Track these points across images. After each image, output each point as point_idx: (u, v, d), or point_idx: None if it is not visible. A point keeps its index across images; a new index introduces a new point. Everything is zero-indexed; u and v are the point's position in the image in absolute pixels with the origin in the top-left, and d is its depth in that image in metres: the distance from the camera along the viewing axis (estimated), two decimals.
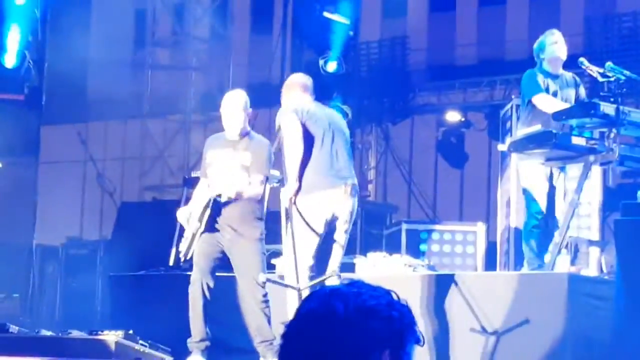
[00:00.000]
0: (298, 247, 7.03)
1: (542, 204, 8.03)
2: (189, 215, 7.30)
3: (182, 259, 7.37)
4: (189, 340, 7.29)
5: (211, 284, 7.25)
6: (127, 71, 16.52)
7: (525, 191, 8.23)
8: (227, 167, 7.39)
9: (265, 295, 7.23)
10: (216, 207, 7.25)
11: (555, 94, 8.16)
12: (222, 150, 7.46)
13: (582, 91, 8.44)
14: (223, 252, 7.33)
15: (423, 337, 2.01)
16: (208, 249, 7.28)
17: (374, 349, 1.95)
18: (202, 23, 17.32)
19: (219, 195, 7.21)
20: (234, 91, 7.80)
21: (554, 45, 8.21)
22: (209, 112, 17.49)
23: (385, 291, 2.01)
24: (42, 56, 11.95)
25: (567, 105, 7.93)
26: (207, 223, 7.24)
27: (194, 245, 7.26)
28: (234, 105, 7.48)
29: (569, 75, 8.41)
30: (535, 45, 8.35)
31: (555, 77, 8.24)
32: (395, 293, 2.03)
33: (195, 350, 7.24)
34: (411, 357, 1.98)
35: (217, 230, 7.28)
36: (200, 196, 7.43)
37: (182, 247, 7.30)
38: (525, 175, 8.22)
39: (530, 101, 8.07)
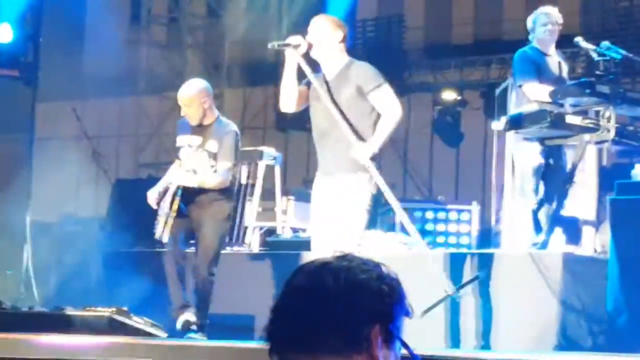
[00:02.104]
0: (350, 220, 6.40)
1: (538, 184, 8.02)
2: (159, 197, 7.36)
3: (158, 238, 7.40)
4: (170, 309, 7.38)
5: (183, 254, 7.37)
6: (123, 48, 16.48)
7: (520, 171, 8.21)
8: (194, 153, 7.39)
9: (208, 275, 7.35)
10: (184, 191, 7.33)
11: (546, 74, 8.14)
12: (189, 135, 7.44)
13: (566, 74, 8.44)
14: (192, 227, 7.48)
15: (413, 309, 2.00)
16: (180, 223, 7.35)
17: (364, 323, 1.94)
18: (197, 0, 17.29)
19: (181, 186, 7.30)
20: (190, 81, 7.68)
21: (544, 27, 8.18)
22: None
23: (375, 264, 2.01)
24: (37, 32, 11.90)
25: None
26: (179, 206, 7.34)
27: (167, 227, 7.33)
28: (184, 101, 7.41)
29: (560, 55, 8.39)
30: (528, 21, 8.33)
31: (546, 56, 8.21)
32: (385, 266, 2.02)
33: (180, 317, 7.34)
34: (401, 330, 1.98)
35: (188, 208, 7.40)
36: (169, 178, 7.52)
37: (157, 229, 7.35)
38: (520, 155, 8.21)
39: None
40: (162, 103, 17.29)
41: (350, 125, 6.44)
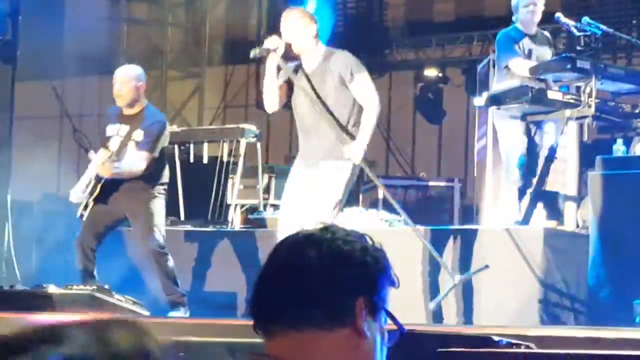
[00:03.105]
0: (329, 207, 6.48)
1: (521, 160, 8.03)
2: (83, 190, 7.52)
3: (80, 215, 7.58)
4: None
5: (93, 246, 7.51)
6: (103, 26, 16.38)
7: (504, 148, 8.23)
8: (123, 143, 7.45)
9: (158, 250, 7.42)
10: (107, 181, 7.47)
11: (530, 53, 8.15)
12: (118, 124, 7.53)
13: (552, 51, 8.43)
14: (118, 216, 7.62)
15: (398, 279, 1.99)
16: (99, 213, 7.51)
17: (348, 296, 1.93)
18: None
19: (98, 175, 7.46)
20: (125, 65, 7.77)
21: (525, 9, 8.17)
22: (185, 68, 17.42)
23: (359, 235, 1.99)
24: (16, 9, 11.81)
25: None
26: (102, 191, 7.46)
27: (88, 208, 7.50)
28: (121, 79, 7.51)
29: (543, 33, 8.39)
30: (512, 1, 8.32)
31: (529, 36, 8.22)
32: (370, 237, 2.01)
33: None
34: (386, 301, 1.97)
35: (111, 195, 7.51)
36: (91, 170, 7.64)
37: (79, 210, 7.53)
38: (503, 132, 8.22)
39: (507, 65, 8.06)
40: None
41: (335, 118, 6.51)
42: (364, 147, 6.54)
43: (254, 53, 6.72)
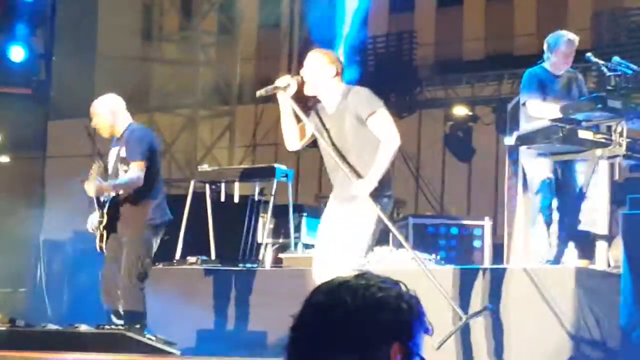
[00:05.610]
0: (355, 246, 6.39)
1: (550, 199, 8.02)
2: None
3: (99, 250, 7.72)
4: None
5: (118, 282, 7.53)
6: (135, 65, 16.53)
7: (532, 186, 8.21)
8: (114, 165, 7.65)
9: (131, 285, 7.47)
10: (111, 203, 7.60)
11: (556, 92, 8.15)
12: (112, 149, 7.74)
13: (584, 87, 8.42)
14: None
15: (432, 327, 2.01)
16: (114, 245, 7.61)
17: (383, 341, 1.95)
18: (209, 17, 17.34)
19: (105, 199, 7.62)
20: (103, 96, 7.90)
21: (563, 55, 8.16)
22: (216, 106, 17.53)
23: (394, 282, 2.02)
24: (49, 50, 11.96)
25: (557, 111, 7.87)
26: (110, 221, 7.60)
27: (104, 239, 7.63)
28: (92, 114, 7.73)
29: (571, 72, 8.38)
30: (549, 39, 8.28)
31: (556, 76, 8.21)
32: (404, 284, 2.03)
33: None
34: (420, 347, 1.99)
35: (116, 224, 7.62)
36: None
37: (97, 242, 7.66)
38: (531, 171, 8.21)
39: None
40: (174, 120, 17.33)
41: (349, 163, 6.41)
42: (374, 184, 6.32)
43: (259, 93, 6.58)
